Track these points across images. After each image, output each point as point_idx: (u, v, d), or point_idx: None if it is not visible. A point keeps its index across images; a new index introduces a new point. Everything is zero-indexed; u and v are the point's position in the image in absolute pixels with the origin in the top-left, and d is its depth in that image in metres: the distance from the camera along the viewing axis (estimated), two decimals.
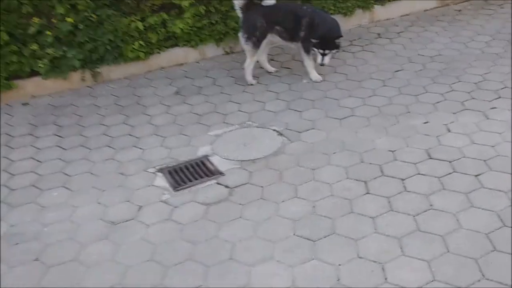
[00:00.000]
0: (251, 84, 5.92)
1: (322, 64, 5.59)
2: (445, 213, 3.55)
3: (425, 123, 4.80)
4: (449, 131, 4.62)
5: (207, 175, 4.30)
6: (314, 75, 5.86)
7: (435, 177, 3.96)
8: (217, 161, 4.50)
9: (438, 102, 5.16)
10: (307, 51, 5.70)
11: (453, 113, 4.91)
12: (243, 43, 5.78)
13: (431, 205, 3.65)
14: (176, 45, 6.63)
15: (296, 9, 5.76)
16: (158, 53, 6.50)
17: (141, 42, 6.19)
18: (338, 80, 5.82)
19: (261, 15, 5.62)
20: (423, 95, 5.35)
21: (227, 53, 6.88)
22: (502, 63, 5.93)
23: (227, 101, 5.64)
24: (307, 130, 4.89)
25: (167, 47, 6.56)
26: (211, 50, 6.81)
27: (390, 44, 6.80)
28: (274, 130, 4.95)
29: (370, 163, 4.23)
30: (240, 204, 3.89)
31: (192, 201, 3.98)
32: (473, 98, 5.17)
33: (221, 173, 4.30)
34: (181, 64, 6.65)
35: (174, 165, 4.50)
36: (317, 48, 5.47)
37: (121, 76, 6.38)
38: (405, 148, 4.40)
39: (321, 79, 5.83)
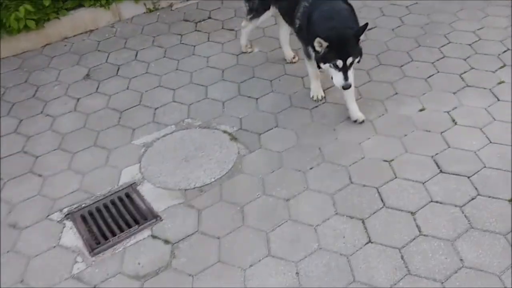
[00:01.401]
0: (244, 52, 4.48)
1: (346, 87, 3.20)
2: (486, 274, 2.51)
3: (421, 110, 3.67)
4: (455, 123, 3.51)
5: (136, 221, 3.01)
6: (316, 90, 3.82)
7: (456, 206, 2.89)
8: (149, 193, 3.20)
9: (430, 76, 4.02)
10: (306, 52, 3.58)
11: (453, 93, 3.80)
12: None
13: (461, 259, 2.59)
14: (81, 5, 5.00)
15: None
16: (57, 18, 4.85)
17: (28, 7, 4.49)
18: (297, 47, 4.45)
19: None
20: (409, 65, 4.18)
21: (150, 11, 5.32)
22: (494, 12, 4.81)
23: (155, 86, 4.23)
24: (270, 129, 3.64)
25: (68, 10, 4.92)
26: (128, 8, 5.22)
27: None
28: (224, 131, 3.67)
29: (364, 185, 3.09)
30: (189, 274, 2.67)
31: (119, 274, 2.71)
32: (473, 68, 4.06)
33: (157, 217, 3.02)
34: (91, 31, 5.06)
35: (88, 204, 3.16)
36: (329, 62, 3.16)
37: (8, 54, 4.73)
38: (404, 156, 3.28)
39: (322, 97, 3.82)
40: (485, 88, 3.81)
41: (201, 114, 3.86)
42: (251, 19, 4.15)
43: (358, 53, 3.17)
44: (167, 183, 3.27)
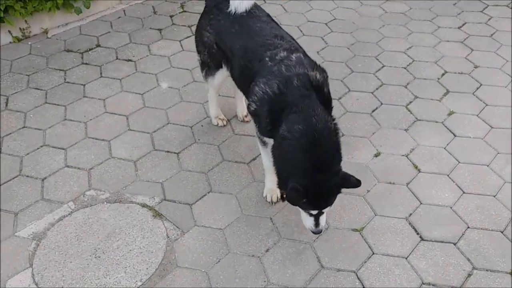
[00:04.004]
0: (215, 125, 3.36)
1: (316, 233, 2.48)
2: None
3: (376, 156, 3.13)
4: (418, 170, 3.02)
5: None
6: (271, 188, 2.83)
7: None
8: None
9: (374, 110, 3.51)
10: (260, 139, 2.67)
11: (405, 130, 3.33)
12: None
13: None
14: None
15: (265, 45, 2.62)
16: None
17: None
18: None
19: (209, 25, 2.92)
20: (347, 97, 3.64)
21: (18, 40, 4.21)
22: (418, 28, 4.47)
23: (39, 146, 3.23)
24: (203, 196, 2.88)
25: None
26: None
27: (264, 5, 4.84)
28: (143, 205, 2.82)
29: (338, 270, 2.44)
30: None
31: None
32: (417, 97, 3.63)
33: None
34: None
35: None
36: (301, 207, 2.42)
37: None
38: (375, 220, 2.70)
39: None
40: (436, 122, 3.40)
41: (107, 181, 2.96)
42: (205, 76, 3.14)
43: (334, 196, 2.38)
44: None
